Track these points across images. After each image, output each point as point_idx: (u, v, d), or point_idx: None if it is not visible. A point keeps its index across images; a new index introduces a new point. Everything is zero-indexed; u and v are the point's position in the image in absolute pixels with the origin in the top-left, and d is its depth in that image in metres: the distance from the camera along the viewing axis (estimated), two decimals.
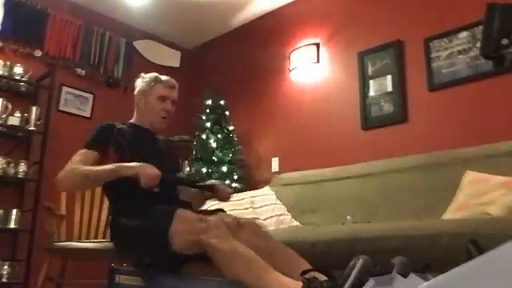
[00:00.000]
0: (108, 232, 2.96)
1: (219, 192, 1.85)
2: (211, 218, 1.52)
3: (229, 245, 1.37)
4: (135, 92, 1.99)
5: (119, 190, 1.74)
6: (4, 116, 3.35)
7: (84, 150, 1.77)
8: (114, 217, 1.76)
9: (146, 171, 1.61)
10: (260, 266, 1.30)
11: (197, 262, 1.59)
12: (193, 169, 3.81)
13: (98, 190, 3.06)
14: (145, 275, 1.62)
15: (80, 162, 1.71)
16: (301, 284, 1.12)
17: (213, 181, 1.95)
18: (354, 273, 0.89)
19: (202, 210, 1.90)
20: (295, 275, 1.25)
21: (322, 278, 1.17)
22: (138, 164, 1.65)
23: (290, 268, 1.37)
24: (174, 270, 1.60)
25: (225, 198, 1.88)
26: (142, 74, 2.01)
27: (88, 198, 3.04)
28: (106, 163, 1.73)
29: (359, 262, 0.90)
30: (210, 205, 2.77)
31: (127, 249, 1.70)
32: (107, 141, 1.80)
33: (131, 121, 2.00)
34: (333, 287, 1.02)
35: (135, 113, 2.00)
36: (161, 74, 1.98)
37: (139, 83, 1.98)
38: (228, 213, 1.81)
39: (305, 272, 1.16)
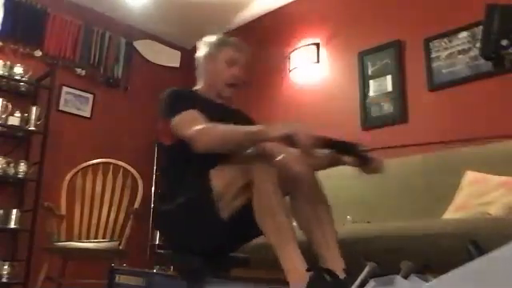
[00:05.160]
0: (108, 232, 2.97)
1: (374, 163, 1.49)
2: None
3: (270, 201, 1.33)
4: (198, 56, 1.78)
5: (183, 164, 1.56)
6: (4, 116, 3.35)
7: (186, 112, 1.50)
8: (158, 205, 1.65)
9: (303, 131, 1.29)
10: (287, 237, 1.29)
11: (244, 266, 1.57)
12: None
13: (98, 189, 3.06)
14: (190, 280, 1.52)
15: (201, 120, 1.46)
16: (307, 278, 1.12)
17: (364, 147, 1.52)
18: (360, 278, 0.90)
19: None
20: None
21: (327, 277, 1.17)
22: (289, 124, 1.36)
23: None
24: (221, 267, 1.57)
25: (379, 170, 1.52)
26: (205, 38, 1.78)
27: (88, 198, 3.04)
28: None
29: (367, 268, 0.90)
30: None
31: (174, 238, 1.58)
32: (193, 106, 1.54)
33: (196, 88, 1.78)
34: None
35: (199, 82, 1.78)
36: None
37: (203, 47, 1.77)
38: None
39: (310, 269, 1.16)
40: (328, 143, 1.42)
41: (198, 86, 1.78)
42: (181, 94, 1.65)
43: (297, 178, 1.47)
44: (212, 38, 1.76)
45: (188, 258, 1.49)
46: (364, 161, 1.46)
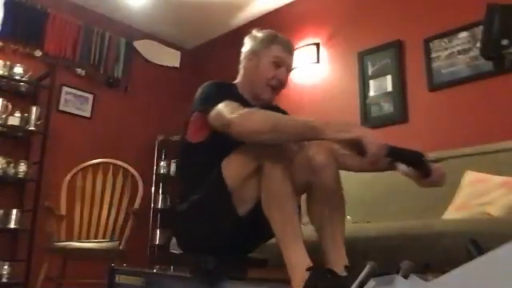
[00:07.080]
0: (108, 232, 2.97)
1: (434, 175, 1.30)
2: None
3: (278, 189, 1.24)
4: (243, 50, 1.62)
5: (200, 168, 1.43)
6: (4, 116, 3.35)
7: (228, 101, 1.35)
8: (175, 206, 1.54)
9: (373, 137, 1.13)
10: (292, 233, 1.23)
11: (262, 267, 1.52)
12: None
13: (98, 189, 3.06)
14: (204, 282, 1.44)
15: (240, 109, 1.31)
16: (306, 277, 1.13)
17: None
18: (360, 277, 0.90)
19: None
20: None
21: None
22: (355, 124, 1.26)
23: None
24: (237, 268, 1.49)
25: (439, 183, 1.33)
26: (255, 31, 1.63)
27: (88, 198, 3.04)
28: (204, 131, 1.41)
29: (367, 268, 0.91)
30: None
31: (189, 241, 1.48)
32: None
33: (236, 82, 1.64)
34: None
35: (240, 77, 1.62)
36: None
37: (250, 41, 1.61)
38: None
39: (311, 268, 1.16)
40: (393, 152, 1.25)
41: (237, 81, 1.63)
42: (222, 86, 1.52)
43: (318, 170, 1.37)
44: (260, 33, 1.61)
45: (202, 259, 1.41)
46: (426, 173, 1.29)
